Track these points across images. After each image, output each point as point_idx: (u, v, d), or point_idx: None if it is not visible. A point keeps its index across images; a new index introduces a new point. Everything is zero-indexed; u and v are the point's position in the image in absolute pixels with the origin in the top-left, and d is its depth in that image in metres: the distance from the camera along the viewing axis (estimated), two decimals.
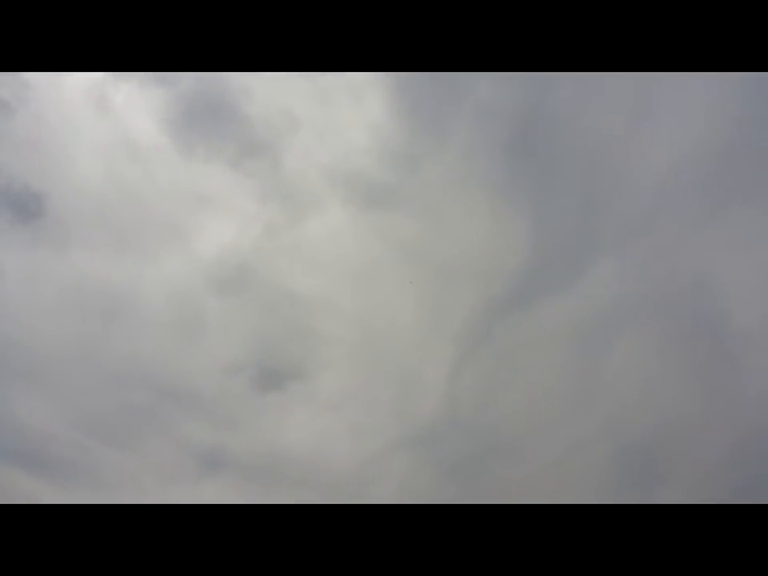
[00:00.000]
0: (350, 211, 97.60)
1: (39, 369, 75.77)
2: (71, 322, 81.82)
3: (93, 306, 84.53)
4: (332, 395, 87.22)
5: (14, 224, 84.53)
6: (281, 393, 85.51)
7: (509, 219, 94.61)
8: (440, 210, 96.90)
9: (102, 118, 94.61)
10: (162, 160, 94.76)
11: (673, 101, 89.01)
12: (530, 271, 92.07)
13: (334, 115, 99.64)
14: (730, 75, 75.76)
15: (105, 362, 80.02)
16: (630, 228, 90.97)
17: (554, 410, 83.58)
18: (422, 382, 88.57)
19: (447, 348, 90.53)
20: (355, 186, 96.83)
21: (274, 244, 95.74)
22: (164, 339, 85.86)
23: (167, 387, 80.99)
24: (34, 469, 67.42)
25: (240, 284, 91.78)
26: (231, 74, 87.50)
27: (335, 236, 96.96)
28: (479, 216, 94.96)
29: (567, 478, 78.79)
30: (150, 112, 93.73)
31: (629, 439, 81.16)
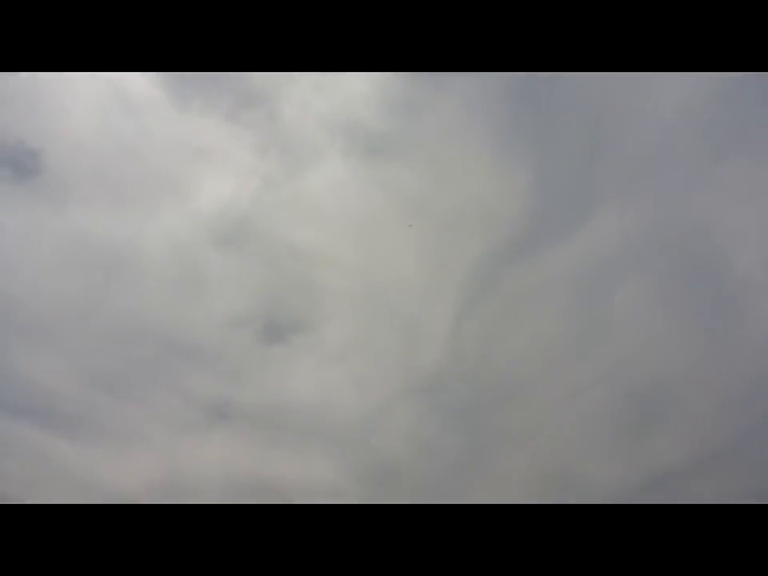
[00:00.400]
0: (350, 163, 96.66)
1: (43, 326, 76.10)
2: (73, 278, 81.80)
3: (94, 262, 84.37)
4: (336, 346, 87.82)
5: (10, 182, 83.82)
6: (285, 345, 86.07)
7: (510, 167, 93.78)
8: (441, 159, 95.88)
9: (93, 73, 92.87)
10: (157, 113, 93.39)
11: None
12: (533, 219, 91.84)
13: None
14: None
15: (108, 318, 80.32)
16: (632, 175, 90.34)
17: (558, 358, 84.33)
18: (426, 331, 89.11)
19: (451, 297, 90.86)
20: (354, 136, 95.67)
21: (274, 197, 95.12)
22: (166, 294, 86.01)
23: (172, 341, 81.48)
24: (46, 424, 68.33)
25: (241, 238, 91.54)
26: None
27: (336, 188, 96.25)
28: (481, 165, 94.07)
29: (569, 425, 79.90)
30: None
31: (631, 385, 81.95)
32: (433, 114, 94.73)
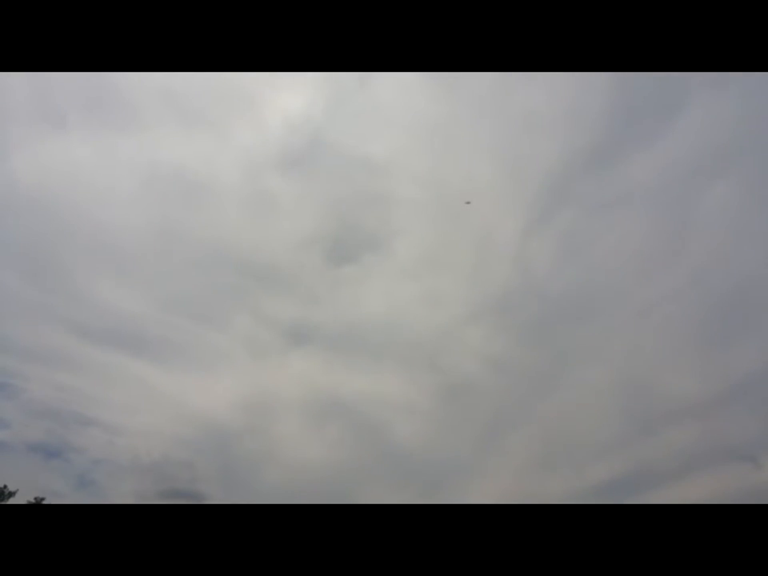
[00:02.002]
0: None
1: (125, 254, 79.72)
2: (150, 206, 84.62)
3: (169, 188, 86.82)
4: (407, 263, 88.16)
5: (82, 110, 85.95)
6: (356, 264, 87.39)
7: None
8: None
9: None
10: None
11: None
12: (614, 122, 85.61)
13: None
14: None
15: (186, 243, 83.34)
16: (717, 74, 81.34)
17: (635, 270, 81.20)
18: (498, 245, 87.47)
19: (525, 209, 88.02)
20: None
21: (345, 108, 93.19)
22: (240, 217, 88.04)
23: (247, 265, 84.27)
24: (134, 351, 73.40)
25: (312, 154, 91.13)
26: None
27: (406, 94, 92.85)
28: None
29: (646, 336, 77.96)
30: None
31: (713, 292, 78.33)
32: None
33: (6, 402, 65.65)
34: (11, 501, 45.41)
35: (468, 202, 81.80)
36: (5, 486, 45.79)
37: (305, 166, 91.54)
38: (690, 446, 66.18)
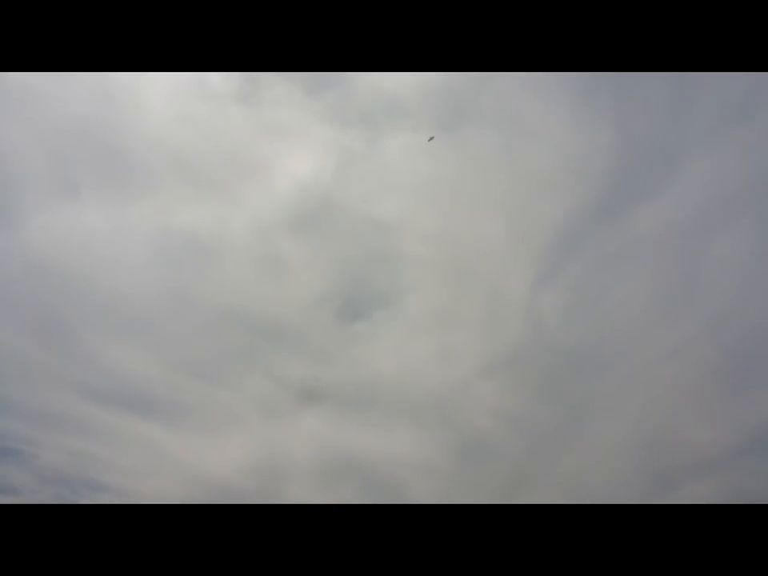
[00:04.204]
0: (424, 130, 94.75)
1: (138, 317, 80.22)
2: (163, 269, 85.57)
3: (181, 251, 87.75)
4: (418, 320, 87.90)
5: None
6: (367, 321, 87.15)
7: (591, 122, 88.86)
8: (517, 118, 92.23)
9: None
10: (233, 97, 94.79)
11: None
12: (618, 177, 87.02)
13: None
14: None
15: (197, 305, 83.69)
16: (725, 118, 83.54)
17: (648, 320, 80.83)
18: (508, 298, 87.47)
19: (534, 263, 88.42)
20: (427, 102, 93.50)
21: (352, 170, 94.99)
22: (251, 278, 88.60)
23: (259, 325, 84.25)
24: (146, 414, 72.84)
25: (321, 215, 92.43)
26: None
27: (412, 155, 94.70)
28: (559, 122, 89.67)
29: (663, 387, 77.00)
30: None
31: (729, 340, 77.66)
32: (503, 73, 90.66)
33: (17, 468, 65.20)
34: None
35: (431, 138, 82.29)
36: None
37: (315, 227, 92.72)
38: (710, 500, 64.50)
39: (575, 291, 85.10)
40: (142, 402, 72.74)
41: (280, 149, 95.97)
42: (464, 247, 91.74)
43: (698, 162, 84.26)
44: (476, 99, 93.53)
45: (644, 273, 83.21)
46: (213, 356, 79.91)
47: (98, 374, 73.34)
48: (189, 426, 73.83)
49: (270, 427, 75.73)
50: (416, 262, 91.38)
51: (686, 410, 75.55)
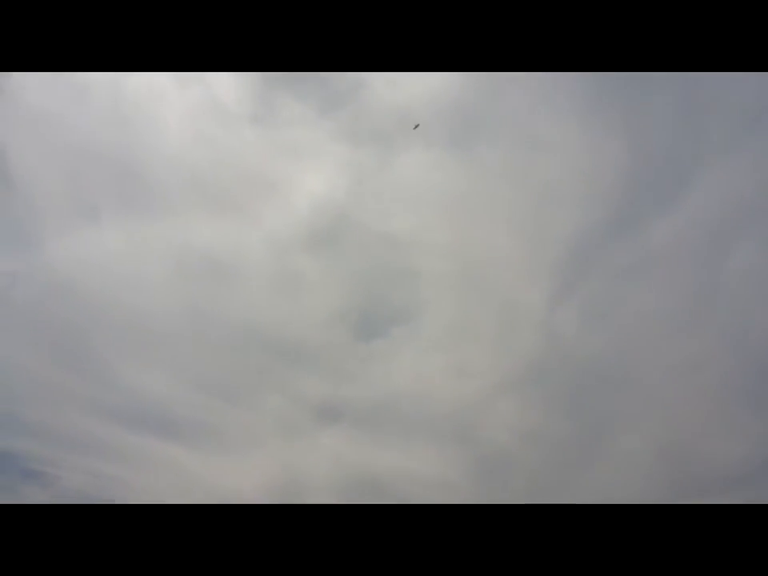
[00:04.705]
0: (437, 145, 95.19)
1: (156, 337, 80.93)
2: (180, 289, 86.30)
3: (199, 271, 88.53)
4: (435, 335, 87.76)
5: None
6: (384, 338, 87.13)
7: (602, 136, 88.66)
8: (528, 132, 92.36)
9: (184, 84, 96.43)
10: (249, 119, 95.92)
11: None
12: (631, 189, 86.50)
13: None
14: None
15: (215, 325, 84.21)
16: (739, 126, 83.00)
17: (667, 333, 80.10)
18: (525, 314, 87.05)
19: (548, 277, 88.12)
20: (439, 118, 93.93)
21: (366, 188, 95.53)
22: (269, 297, 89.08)
23: (277, 344, 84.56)
24: (166, 434, 73.28)
25: (336, 232, 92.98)
26: None
27: (425, 172, 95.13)
28: (570, 135, 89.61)
29: (684, 402, 76.15)
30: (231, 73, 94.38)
31: (753, 353, 76.84)
32: (514, 88, 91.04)
33: (41, 490, 65.85)
34: None
35: (416, 126, 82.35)
36: None
37: (330, 244, 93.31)
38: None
39: (592, 304, 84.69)
40: (162, 422, 73.33)
41: (295, 167, 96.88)
42: (479, 262, 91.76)
43: (711, 173, 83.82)
44: (487, 114, 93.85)
45: (661, 285, 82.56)
46: (231, 375, 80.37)
47: (118, 395, 74.16)
48: (208, 445, 74.18)
49: (288, 446, 75.83)
50: (432, 278, 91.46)
51: (707, 424, 74.71)
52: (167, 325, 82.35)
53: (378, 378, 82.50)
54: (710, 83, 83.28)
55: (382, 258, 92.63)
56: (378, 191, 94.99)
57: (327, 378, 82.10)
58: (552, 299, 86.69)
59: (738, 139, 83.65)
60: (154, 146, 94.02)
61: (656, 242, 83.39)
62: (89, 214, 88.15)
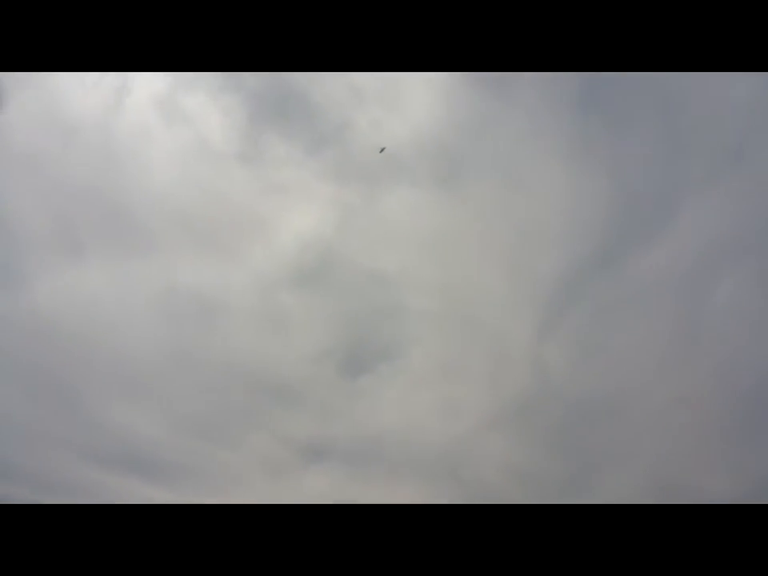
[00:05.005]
0: (422, 185, 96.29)
1: (140, 376, 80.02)
2: (165, 327, 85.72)
3: (184, 309, 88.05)
4: (423, 371, 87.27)
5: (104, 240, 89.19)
6: (371, 375, 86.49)
7: (585, 173, 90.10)
8: (512, 171, 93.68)
9: (171, 123, 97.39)
10: (236, 158, 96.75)
11: None
12: (615, 225, 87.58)
13: (396, 89, 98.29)
14: None
15: (200, 364, 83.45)
16: (720, 162, 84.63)
17: (655, 367, 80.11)
18: (512, 349, 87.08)
19: (535, 313, 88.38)
20: (423, 160, 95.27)
21: (352, 225, 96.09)
22: (255, 335, 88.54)
23: (262, 382, 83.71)
24: (147, 474, 71.85)
25: (322, 270, 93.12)
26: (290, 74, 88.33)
27: (410, 210, 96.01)
28: (553, 173, 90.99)
29: (673, 436, 75.92)
30: (219, 113, 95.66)
31: (740, 385, 76.98)
32: (498, 127, 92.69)
33: None
34: None
35: (383, 149, 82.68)
36: None
37: (317, 282, 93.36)
38: None
39: (580, 340, 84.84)
40: (146, 464, 71.87)
41: (281, 206, 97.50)
42: (466, 299, 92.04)
43: (694, 208, 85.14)
44: (471, 152, 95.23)
45: (647, 320, 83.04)
46: (216, 415, 79.24)
47: (99, 435, 72.81)
48: (191, 486, 72.73)
49: (273, 485, 74.61)
50: (419, 315, 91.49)
51: (697, 458, 74.40)
52: (152, 364, 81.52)
53: (365, 415, 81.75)
54: (691, 119, 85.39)
55: (368, 294, 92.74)
56: (365, 229, 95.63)
57: (313, 416, 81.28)
58: (541, 335, 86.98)
59: (719, 175, 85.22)
60: (140, 185, 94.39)
61: (641, 276, 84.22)
62: (73, 252, 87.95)
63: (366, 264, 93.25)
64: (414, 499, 72.70)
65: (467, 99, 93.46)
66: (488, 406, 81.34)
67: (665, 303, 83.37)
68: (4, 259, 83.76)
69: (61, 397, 76.03)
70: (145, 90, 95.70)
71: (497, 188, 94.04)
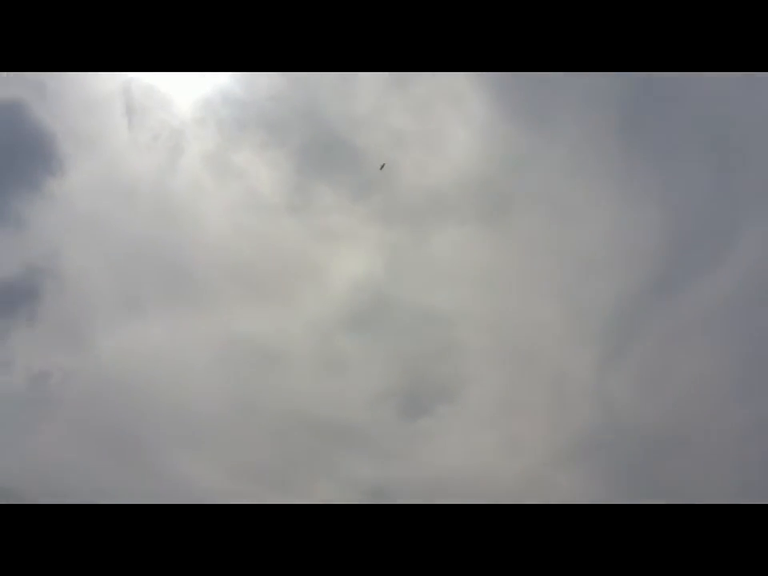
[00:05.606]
0: (469, 221, 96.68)
1: (202, 427, 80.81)
2: (226, 377, 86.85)
3: (243, 358, 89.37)
4: (483, 410, 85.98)
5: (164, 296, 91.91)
6: (431, 416, 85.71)
7: (636, 198, 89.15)
8: (562, 202, 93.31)
9: (222, 179, 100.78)
10: (285, 208, 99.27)
11: None
12: (671, 251, 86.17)
13: (437, 127, 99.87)
14: None
15: (262, 411, 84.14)
16: None
17: (722, 394, 77.32)
18: (573, 382, 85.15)
19: (594, 344, 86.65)
20: (469, 194, 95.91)
21: (402, 266, 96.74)
22: (313, 380, 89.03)
23: (323, 427, 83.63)
24: None
25: (376, 311, 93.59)
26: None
27: (460, 247, 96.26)
28: (604, 203, 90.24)
29: (751, 465, 72.49)
30: (267, 166, 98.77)
31: None
32: (541, 161, 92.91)
33: None
34: None
35: (383, 165, 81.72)
36: None
37: (372, 324, 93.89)
38: None
39: (644, 371, 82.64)
40: None
41: (332, 251, 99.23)
42: (522, 333, 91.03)
43: (754, 227, 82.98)
44: (515, 187, 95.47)
45: (711, 347, 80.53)
46: (279, 461, 79.48)
47: (164, 485, 73.42)
48: None
49: None
50: (475, 352, 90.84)
51: None
52: (213, 413, 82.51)
53: (428, 457, 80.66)
54: (738, 135, 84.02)
55: (424, 334, 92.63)
56: (415, 269, 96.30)
57: (376, 460, 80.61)
58: (602, 366, 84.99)
59: None
60: (196, 239, 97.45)
61: (705, 302, 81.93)
62: (136, 308, 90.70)
63: (420, 303, 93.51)
64: None
65: (507, 135, 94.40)
66: (551, 442, 79.52)
67: (732, 329, 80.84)
68: (71, 316, 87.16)
69: (127, 448, 77.50)
70: (196, 148, 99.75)
71: (545, 221, 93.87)
